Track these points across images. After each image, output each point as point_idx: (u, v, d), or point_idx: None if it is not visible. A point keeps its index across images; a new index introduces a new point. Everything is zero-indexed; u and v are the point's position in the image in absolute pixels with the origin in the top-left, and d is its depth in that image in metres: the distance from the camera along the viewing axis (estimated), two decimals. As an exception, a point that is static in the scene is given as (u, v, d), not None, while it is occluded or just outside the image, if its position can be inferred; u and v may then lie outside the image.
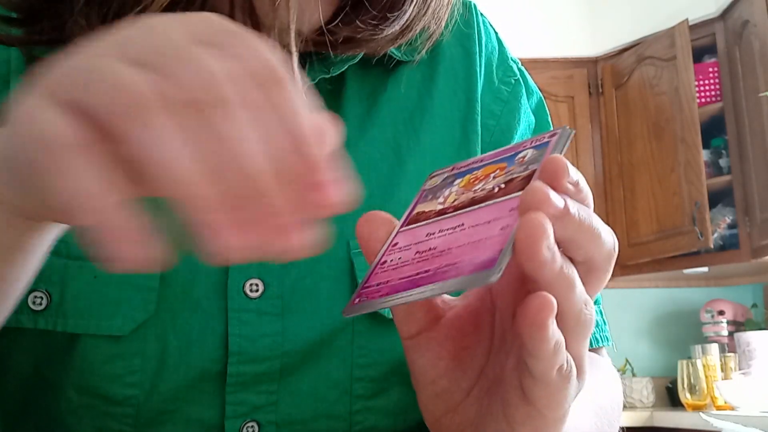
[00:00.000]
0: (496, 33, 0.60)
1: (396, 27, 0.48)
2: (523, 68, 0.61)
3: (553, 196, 0.29)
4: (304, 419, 0.47)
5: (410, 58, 0.53)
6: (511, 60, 0.60)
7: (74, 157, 0.23)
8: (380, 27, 0.48)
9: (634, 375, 3.19)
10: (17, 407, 0.48)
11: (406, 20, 0.49)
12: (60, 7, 0.43)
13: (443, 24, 0.53)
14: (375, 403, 0.49)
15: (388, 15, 0.48)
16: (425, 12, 0.50)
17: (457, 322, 0.36)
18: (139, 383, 0.45)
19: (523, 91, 0.59)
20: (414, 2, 0.48)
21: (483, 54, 0.57)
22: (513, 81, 0.58)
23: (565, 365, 0.31)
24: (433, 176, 0.40)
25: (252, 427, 0.46)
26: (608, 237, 0.32)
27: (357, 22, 0.47)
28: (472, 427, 0.36)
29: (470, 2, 0.59)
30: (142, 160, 0.22)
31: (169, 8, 0.41)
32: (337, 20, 0.48)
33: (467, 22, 0.58)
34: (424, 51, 0.53)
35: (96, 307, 0.44)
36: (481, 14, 0.60)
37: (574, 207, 0.30)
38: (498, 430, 0.34)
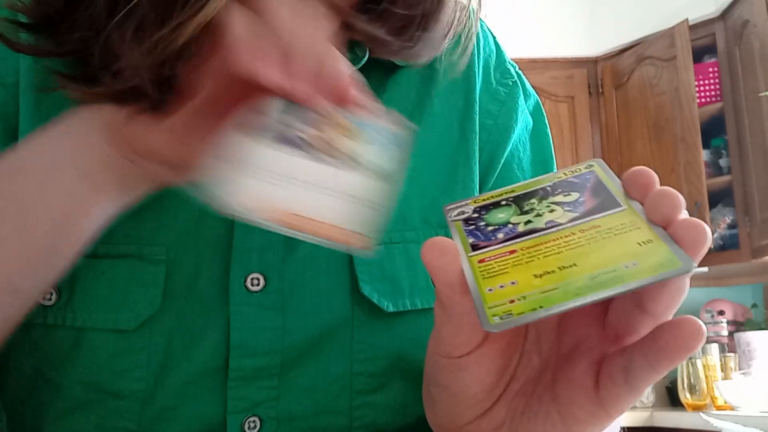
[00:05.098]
0: (493, 37, 0.61)
1: (436, 36, 0.50)
2: (520, 72, 0.62)
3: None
4: (304, 415, 0.48)
5: (409, 64, 0.54)
6: (509, 63, 0.61)
7: None
8: (426, 36, 0.49)
9: (634, 374, 3.19)
10: (17, 407, 0.48)
11: (442, 31, 0.50)
12: (79, 18, 0.42)
13: (473, 36, 0.55)
14: (375, 398, 0.49)
15: (428, 27, 0.49)
16: (450, 28, 0.51)
17: (503, 334, 0.36)
18: (145, 378, 0.46)
19: (521, 93, 0.60)
20: (446, 12, 0.50)
21: (481, 56, 0.58)
22: (510, 83, 0.59)
23: None
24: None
25: (254, 422, 0.47)
26: None
27: (411, 29, 0.48)
28: (504, 428, 0.36)
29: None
30: None
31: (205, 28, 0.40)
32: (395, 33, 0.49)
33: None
34: (462, 65, 0.55)
35: (103, 302, 0.45)
36: (480, 18, 0.60)
37: None
38: (549, 428, 0.35)
